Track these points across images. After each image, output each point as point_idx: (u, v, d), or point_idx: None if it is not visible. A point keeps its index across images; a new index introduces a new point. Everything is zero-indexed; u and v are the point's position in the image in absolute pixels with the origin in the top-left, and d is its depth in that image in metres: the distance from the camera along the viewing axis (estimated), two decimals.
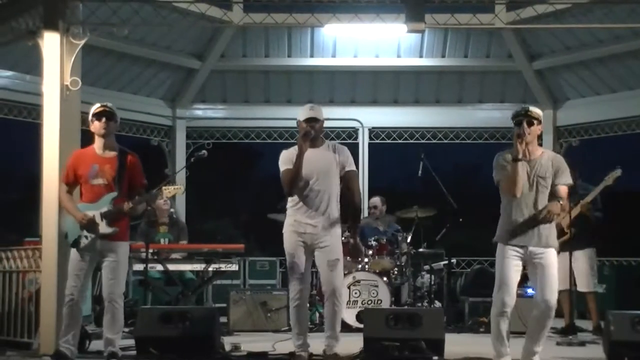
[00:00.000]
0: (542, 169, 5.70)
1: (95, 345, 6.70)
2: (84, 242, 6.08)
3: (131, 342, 6.58)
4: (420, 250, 9.28)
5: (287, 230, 6.22)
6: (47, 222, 6.67)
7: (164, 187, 6.26)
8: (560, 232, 8.09)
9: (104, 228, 6.06)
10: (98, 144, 6.25)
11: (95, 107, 6.25)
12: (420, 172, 9.35)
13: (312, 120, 6.14)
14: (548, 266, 5.68)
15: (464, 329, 8.75)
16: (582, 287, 8.13)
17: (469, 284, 9.94)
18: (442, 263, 9.57)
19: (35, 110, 9.95)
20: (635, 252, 11.15)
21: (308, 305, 8.87)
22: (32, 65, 8.89)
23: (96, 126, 6.20)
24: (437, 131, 12.20)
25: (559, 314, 7.47)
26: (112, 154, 6.22)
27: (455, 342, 6.97)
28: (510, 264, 5.71)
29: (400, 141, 12.26)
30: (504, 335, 5.74)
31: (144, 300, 8.20)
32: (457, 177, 26.89)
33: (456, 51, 11.59)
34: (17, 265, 7.21)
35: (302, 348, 6.16)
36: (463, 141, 12.32)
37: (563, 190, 5.74)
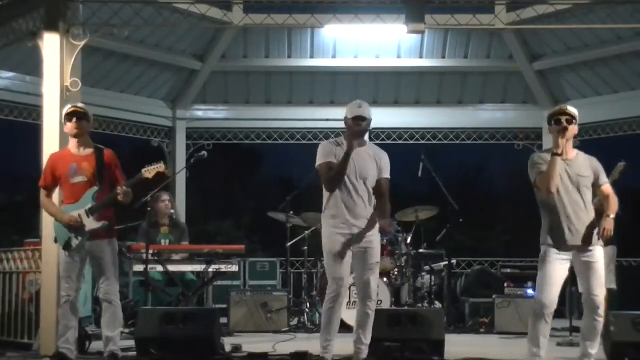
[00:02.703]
0: (581, 168, 5.73)
1: (96, 346, 6.70)
2: (75, 243, 6.07)
3: (132, 343, 6.59)
4: (421, 251, 9.28)
5: (330, 232, 5.97)
6: (47, 224, 6.66)
7: (144, 170, 6.22)
8: None
9: (92, 224, 6.05)
10: (72, 144, 6.24)
11: (66, 109, 6.26)
12: (420, 172, 9.34)
13: (360, 119, 5.96)
14: (595, 262, 5.65)
15: (464, 329, 8.76)
16: None
17: (470, 284, 9.94)
18: (443, 264, 9.56)
19: (36, 112, 9.95)
20: (638, 253, 11.14)
21: (308, 306, 8.96)
22: (33, 66, 8.89)
23: (68, 127, 6.20)
24: (438, 132, 12.18)
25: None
26: (89, 151, 6.21)
27: (455, 343, 6.99)
28: (557, 268, 5.65)
29: (400, 142, 12.25)
30: (539, 337, 5.65)
31: (144, 301, 8.19)
32: (458, 178, 26.91)
33: (457, 52, 11.59)
34: (18, 266, 7.23)
35: (328, 350, 5.96)
36: (464, 142, 12.30)
37: (607, 189, 5.81)
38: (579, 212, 5.65)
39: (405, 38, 11.00)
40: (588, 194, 5.73)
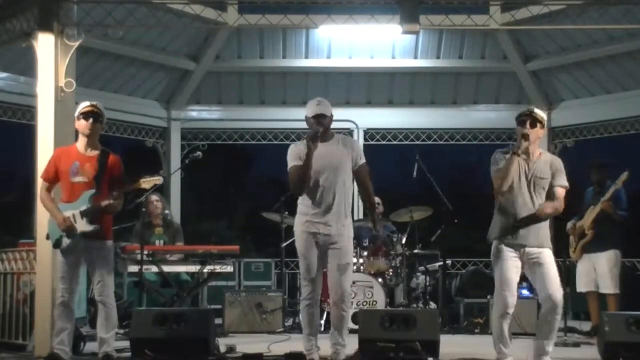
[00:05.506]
0: (540, 170, 5.77)
1: (90, 347, 6.69)
2: (65, 242, 6.05)
3: (126, 343, 6.56)
4: (415, 251, 9.27)
5: (299, 231, 6.02)
6: (42, 224, 6.64)
7: (142, 180, 6.21)
8: (582, 234, 8.15)
9: (84, 226, 6.02)
10: (81, 142, 6.21)
11: (83, 106, 6.19)
12: (415, 173, 9.33)
13: (320, 117, 5.95)
14: (546, 264, 5.71)
15: (459, 330, 8.76)
16: (602, 288, 8.16)
17: (464, 285, 9.94)
18: (437, 264, 9.56)
19: (29, 112, 9.95)
20: (630, 252, 11.13)
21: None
22: (27, 66, 8.87)
23: (82, 125, 6.16)
24: (432, 132, 12.19)
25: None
26: (94, 152, 6.18)
27: (450, 343, 6.98)
28: (510, 265, 5.74)
29: (395, 142, 12.27)
30: (507, 336, 5.77)
31: (139, 302, 8.18)
32: (453, 178, 26.92)
33: (451, 52, 11.60)
34: (12, 267, 7.22)
35: (312, 350, 6.02)
36: (458, 142, 12.32)
37: (560, 192, 5.80)
38: (529, 213, 5.69)
39: (400, 38, 11.02)
40: (542, 195, 5.76)
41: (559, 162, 5.87)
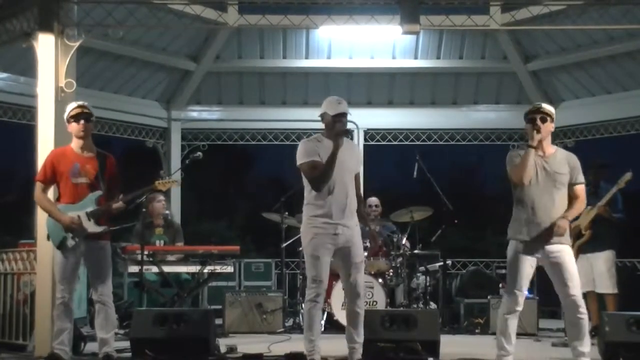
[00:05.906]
0: (558, 166, 5.74)
1: (90, 347, 6.70)
2: (70, 243, 6.02)
3: (126, 344, 6.58)
4: (416, 251, 9.27)
5: (312, 233, 5.91)
6: (42, 224, 6.63)
7: (157, 182, 6.21)
8: (578, 235, 8.15)
9: (93, 227, 6.02)
10: (77, 144, 6.17)
11: (71, 108, 6.16)
12: (415, 173, 9.34)
13: (342, 116, 5.89)
14: (564, 263, 5.66)
15: (459, 330, 8.76)
16: (600, 288, 8.15)
17: (465, 285, 9.95)
18: (438, 264, 9.57)
19: (30, 113, 9.95)
20: (629, 253, 11.15)
21: (303, 306, 8.94)
22: (27, 67, 8.88)
23: (74, 128, 6.12)
24: (433, 132, 12.20)
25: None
26: (91, 154, 6.17)
27: (450, 344, 6.99)
28: (527, 264, 5.69)
29: (395, 143, 12.27)
30: (511, 332, 5.73)
31: (139, 302, 8.19)
32: (453, 178, 26.94)
33: (451, 52, 11.60)
34: (12, 267, 7.22)
35: (314, 351, 5.96)
36: (458, 142, 12.32)
37: (580, 190, 5.80)
38: (549, 210, 5.66)
39: (400, 39, 11.02)
40: (563, 191, 5.74)
41: (575, 159, 5.85)
